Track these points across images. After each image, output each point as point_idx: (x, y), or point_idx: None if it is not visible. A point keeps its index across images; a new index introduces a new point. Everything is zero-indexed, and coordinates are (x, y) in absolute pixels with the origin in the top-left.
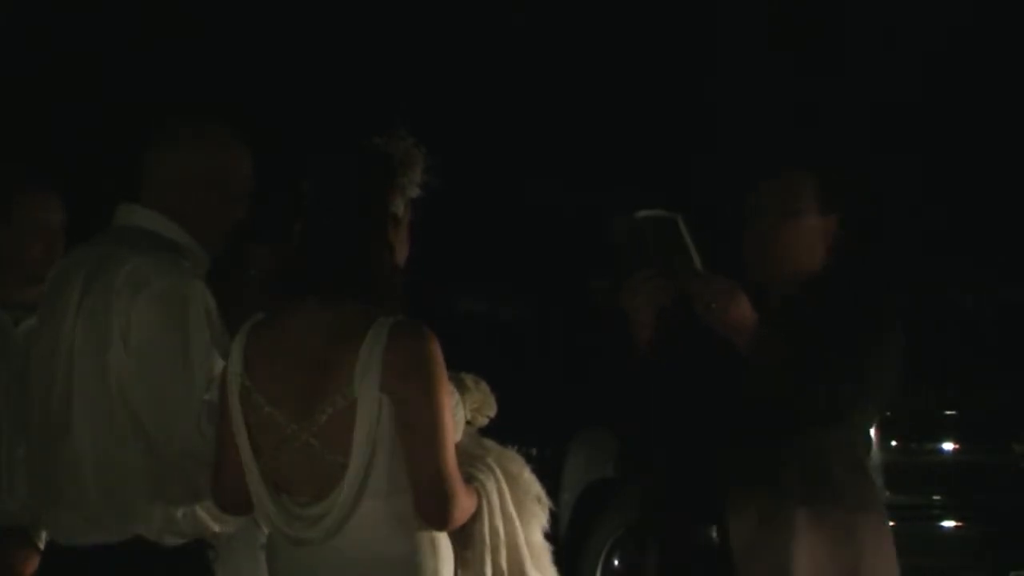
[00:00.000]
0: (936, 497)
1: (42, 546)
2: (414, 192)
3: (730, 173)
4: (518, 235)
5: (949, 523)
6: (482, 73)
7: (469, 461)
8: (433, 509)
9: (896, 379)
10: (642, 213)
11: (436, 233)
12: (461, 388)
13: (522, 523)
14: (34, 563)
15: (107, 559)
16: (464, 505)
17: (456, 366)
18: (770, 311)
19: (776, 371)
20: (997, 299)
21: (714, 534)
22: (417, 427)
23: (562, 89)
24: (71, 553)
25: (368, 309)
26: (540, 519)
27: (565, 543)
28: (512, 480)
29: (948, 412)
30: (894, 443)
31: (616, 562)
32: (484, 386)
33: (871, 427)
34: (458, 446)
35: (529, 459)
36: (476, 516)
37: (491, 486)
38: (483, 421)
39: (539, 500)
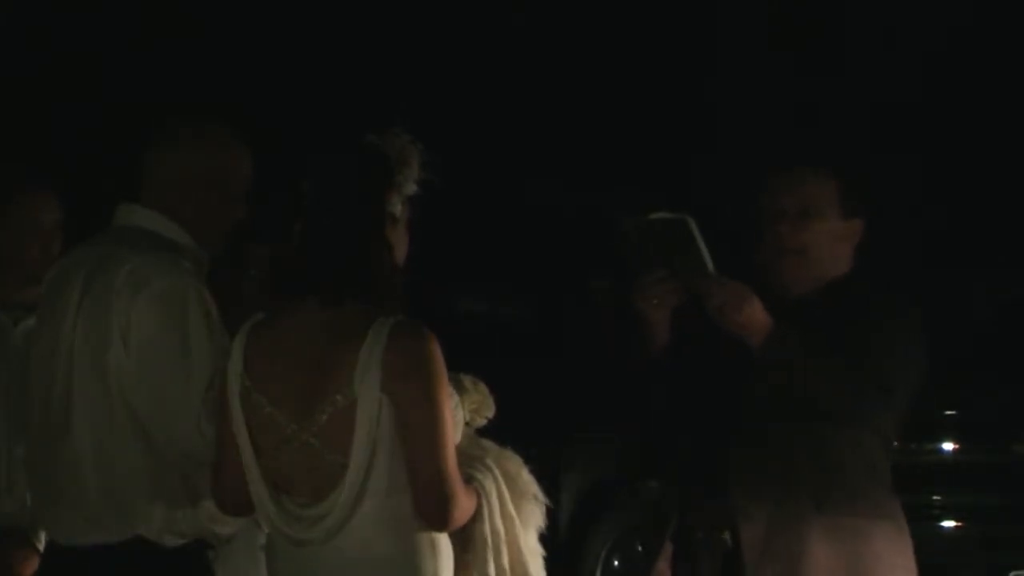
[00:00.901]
0: (936, 497)
1: (41, 547)
2: (411, 190)
3: (730, 173)
4: (518, 235)
5: (949, 523)
6: (482, 73)
7: (468, 462)
8: (433, 509)
9: (917, 385)
10: (653, 215)
11: (436, 233)
12: (459, 389)
13: (520, 523)
14: (33, 564)
15: (107, 559)
16: (464, 505)
17: (455, 366)
18: (785, 313)
19: (789, 373)
20: (997, 299)
21: (728, 538)
22: (417, 427)
23: (562, 89)
24: (71, 553)
25: (368, 309)
26: (537, 521)
27: (565, 543)
28: (511, 480)
29: (948, 412)
30: (894, 443)
31: (616, 562)
32: (482, 387)
33: (892, 433)
34: (457, 447)
35: (528, 459)
36: (476, 517)
37: (490, 486)
38: (481, 422)
39: (536, 500)
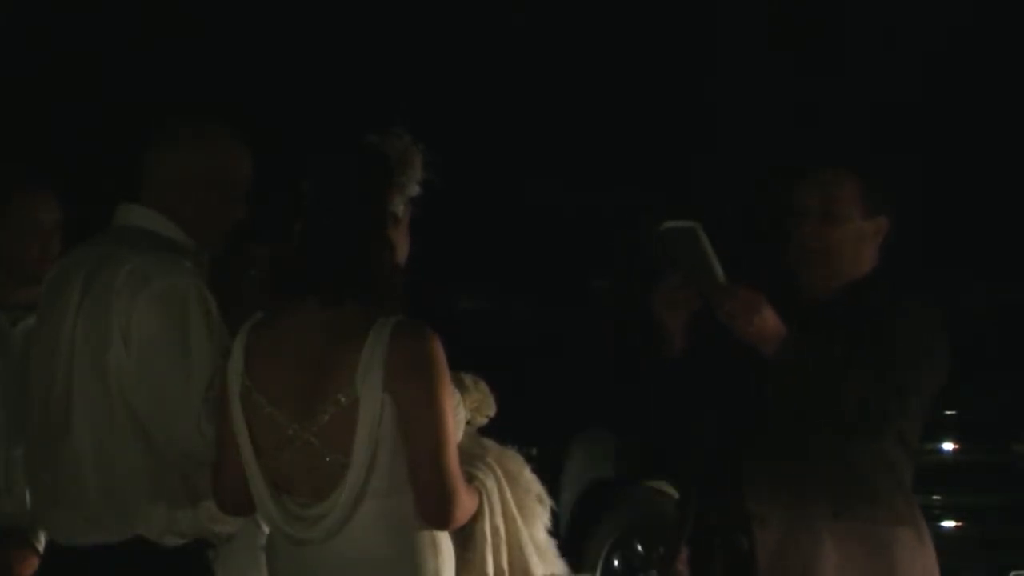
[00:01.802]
0: (936, 497)
1: (40, 547)
2: (413, 191)
3: (730, 173)
4: (518, 235)
5: (949, 523)
6: (482, 72)
7: (469, 461)
8: (434, 509)
9: (937, 388)
10: (666, 224)
11: (436, 233)
12: (460, 388)
13: (524, 522)
14: (32, 565)
15: (107, 559)
16: (465, 505)
17: (456, 366)
18: (808, 314)
19: (804, 381)
20: (997, 299)
21: (743, 542)
22: (419, 427)
23: (562, 88)
24: (71, 553)
25: (369, 309)
26: (542, 517)
27: (565, 543)
28: (512, 479)
29: (948, 412)
30: (916, 447)
31: (616, 562)
32: (483, 386)
33: (914, 438)
34: (458, 446)
35: (529, 459)
36: (477, 515)
37: (492, 485)
38: (482, 421)
39: (540, 499)
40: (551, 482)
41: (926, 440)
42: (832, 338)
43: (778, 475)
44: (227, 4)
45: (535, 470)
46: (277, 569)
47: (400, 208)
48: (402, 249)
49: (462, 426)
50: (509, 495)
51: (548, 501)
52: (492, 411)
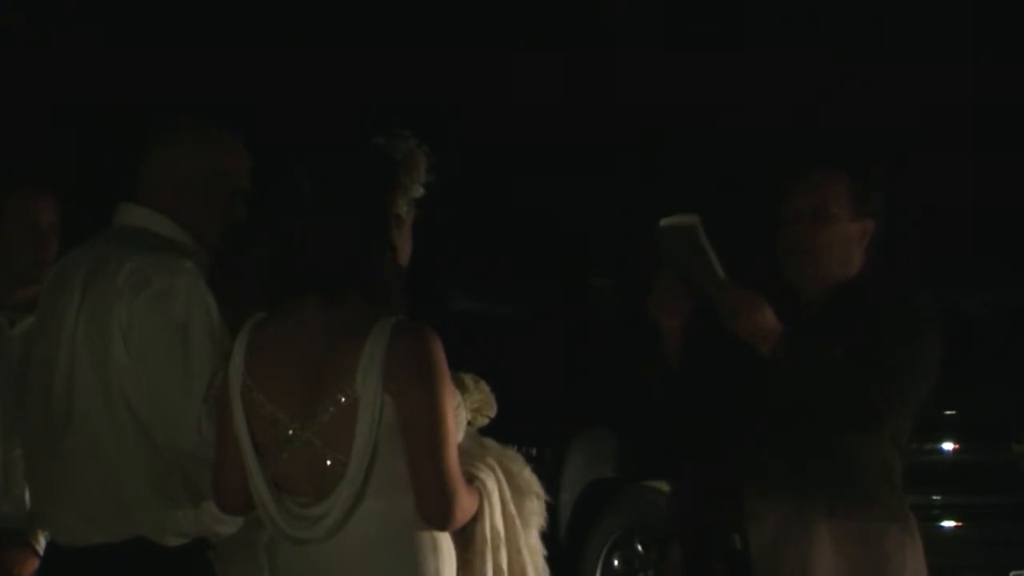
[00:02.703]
0: (936, 497)
1: (40, 548)
2: (417, 192)
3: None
4: (518, 235)
5: (949, 523)
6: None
7: (470, 461)
8: (434, 509)
9: (931, 388)
10: (665, 221)
11: (437, 232)
12: (461, 388)
13: (521, 524)
14: (31, 565)
15: (107, 559)
16: (465, 505)
17: (456, 366)
18: (800, 315)
19: (801, 380)
20: (997, 299)
21: (738, 541)
22: (419, 427)
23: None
24: (71, 553)
25: (369, 309)
26: (539, 520)
27: (565, 543)
28: (512, 479)
29: (948, 412)
30: (908, 446)
31: (616, 562)
32: (484, 386)
33: (906, 437)
34: (459, 446)
35: (529, 459)
36: (477, 516)
37: (492, 486)
38: (483, 421)
39: (539, 499)
40: (551, 482)
41: (926, 440)
42: (829, 338)
43: (774, 474)
44: (227, 4)
45: (535, 470)
46: (277, 569)
47: (403, 209)
48: (404, 250)
49: (463, 427)
50: (509, 496)
51: (547, 502)
52: (493, 412)
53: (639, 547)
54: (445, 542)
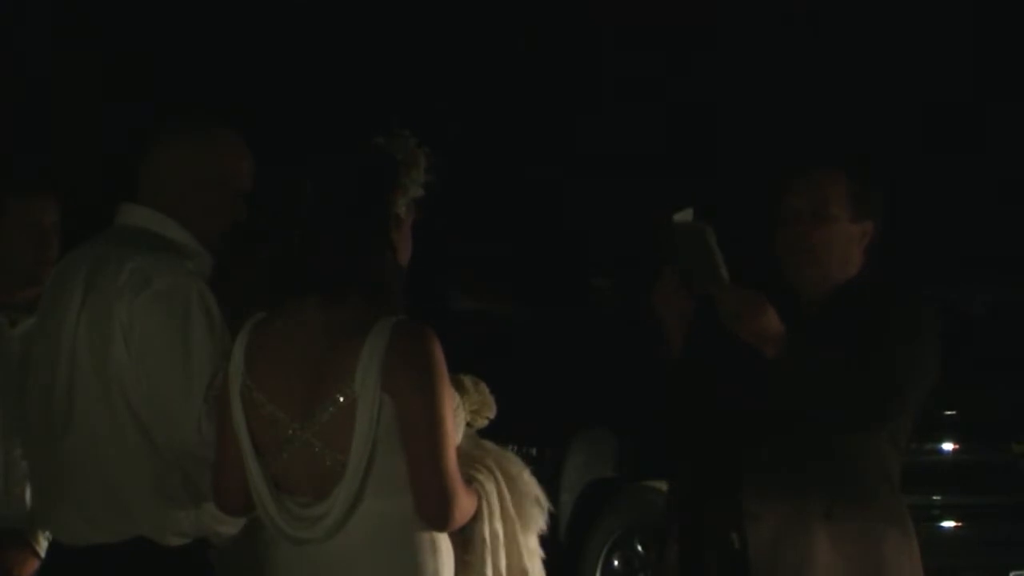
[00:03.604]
0: (936, 497)
1: (40, 548)
2: (417, 192)
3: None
4: (518, 235)
5: (949, 523)
6: (482, 72)
7: (469, 462)
8: (433, 510)
9: (930, 388)
10: (677, 216)
11: (437, 232)
12: (460, 390)
13: (520, 525)
14: (32, 566)
15: (108, 559)
16: (464, 506)
17: (455, 367)
18: (800, 315)
19: (803, 383)
20: (997, 299)
21: (735, 540)
22: (418, 427)
23: (562, 86)
24: (72, 553)
25: (369, 309)
26: (538, 522)
27: (565, 543)
28: (511, 481)
29: (948, 412)
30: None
31: (616, 562)
32: (483, 387)
33: (905, 439)
34: (458, 448)
35: (529, 460)
36: (476, 517)
37: (491, 487)
38: (482, 423)
39: (538, 502)
40: (551, 482)
41: (926, 440)
42: (829, 338)
43: (774, 474)
44: (227, 4)
45: (534, 471)
46: (278, 568)
47: (403, 209)
48: (404, 250)
49: (462, 428)
50: (508, 498)
51: (546, 504)
52: (492, 413)
53: (639, 547)
54: (444, 543)
